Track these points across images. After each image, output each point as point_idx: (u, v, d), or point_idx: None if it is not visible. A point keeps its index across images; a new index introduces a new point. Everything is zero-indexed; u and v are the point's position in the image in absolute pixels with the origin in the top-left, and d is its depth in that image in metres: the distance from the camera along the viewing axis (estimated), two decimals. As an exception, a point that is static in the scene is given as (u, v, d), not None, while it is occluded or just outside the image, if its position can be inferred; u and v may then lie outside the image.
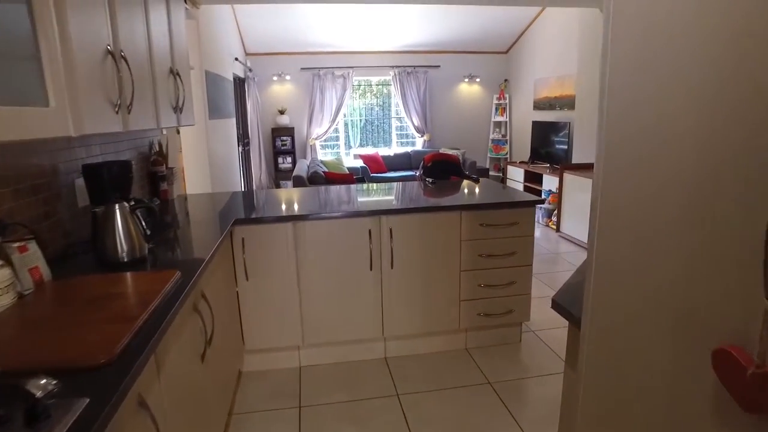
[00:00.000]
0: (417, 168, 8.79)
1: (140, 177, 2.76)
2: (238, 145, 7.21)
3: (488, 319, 2.92)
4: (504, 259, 2.84)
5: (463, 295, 2.85)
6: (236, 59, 6.82)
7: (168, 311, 1.33)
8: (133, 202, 1.81)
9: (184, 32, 2.70)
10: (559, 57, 7.34)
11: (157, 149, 3.02)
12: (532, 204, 2.80)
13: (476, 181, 3.55)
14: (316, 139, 8.60)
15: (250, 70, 7.97)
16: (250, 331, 2.67)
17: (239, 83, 7.59)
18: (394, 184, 3.53)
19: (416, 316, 2.83)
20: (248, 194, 3.46)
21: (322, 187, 3.44)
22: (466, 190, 3.19)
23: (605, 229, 1.03)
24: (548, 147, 7.36)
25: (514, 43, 8.74)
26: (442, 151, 8.80)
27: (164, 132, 3.28)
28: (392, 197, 3.01)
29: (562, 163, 6.07)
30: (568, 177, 5.33)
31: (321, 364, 2.85)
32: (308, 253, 2.62)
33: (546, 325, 3.29)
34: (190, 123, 2.74)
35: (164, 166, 2.97)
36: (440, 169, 3.86)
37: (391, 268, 2.71)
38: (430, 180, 3.51)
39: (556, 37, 7.39)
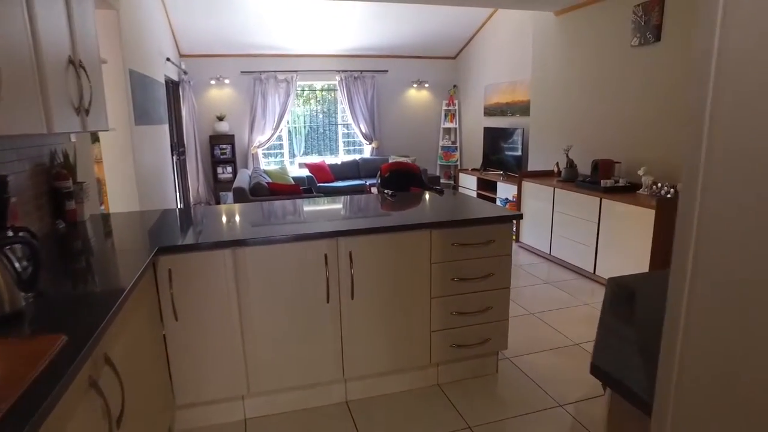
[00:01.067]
0: (366, 177, 8.45)
1: (35, 195, 2.21)
2: (172, 155, 6.57)
3: (462, 351, 2.57)
4: (479, 282, 2.51)
5: (434, 325, 2.49)
6: (168, 60, 6.20)
7: (37, 405, 0.87)
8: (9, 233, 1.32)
9: (91, 17, 2.20)
10: (511, 63, 7.22)
11: (61, 160, 2.47)
12: (510, 219, 2.49)
13: (440, 192, 3.22)
14: (258, 147, 8.06)
15: (185, 72, 7.33)
16: (182, 381, 2.19)
17: (173, 86, 6.95)
18: (350, 198, 3.13)
19: (381, 352, 2.44)
20: (182, 212, 2.96)
21: (267, 203, 2.99)
22: (432, 205, 2.84)
23: (711, 259, 0.68)
24: (501, 154, 7.21)
25: (463, 48, 8.59)
26: (393, 159, 8.48)
27: (72, 139, 2.73)
28: (349, 214, 2.61)
29: (520, 171, 5.89)
30: (528, 185, 5.13)
31: (271, 415, 2.40)
32: (252, 285, 2.17)
33: (521, 349, 2.99)
34: (103, 128, 2.23)
35: (71, 180, 2.43)
36: (399, 180, 3.50)
37: (352, 298, 2.31)
38: (389, 192, 3.15)
39: (507, 42, 7.28)
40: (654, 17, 4.03)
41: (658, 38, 4.02)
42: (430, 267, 2.41)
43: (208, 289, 2.11)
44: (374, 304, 2.36)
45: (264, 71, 7.86)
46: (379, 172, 3.60)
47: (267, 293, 2.19)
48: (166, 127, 6.04)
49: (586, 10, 4.84)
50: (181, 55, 7.48)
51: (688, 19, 3.79)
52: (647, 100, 4.20)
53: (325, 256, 2.23)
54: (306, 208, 2.78)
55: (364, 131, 8.58)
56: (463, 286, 2.49)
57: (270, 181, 6.05)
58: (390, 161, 8.32)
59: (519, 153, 6.73)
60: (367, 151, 8.85)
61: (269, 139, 8.10)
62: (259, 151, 8.11)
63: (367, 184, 7.43)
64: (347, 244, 2.25)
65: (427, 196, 3.13)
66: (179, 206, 6.99)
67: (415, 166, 3.59)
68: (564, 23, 5.17)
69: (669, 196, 3.76)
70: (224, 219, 2.54)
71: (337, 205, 2.90)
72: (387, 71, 8.59)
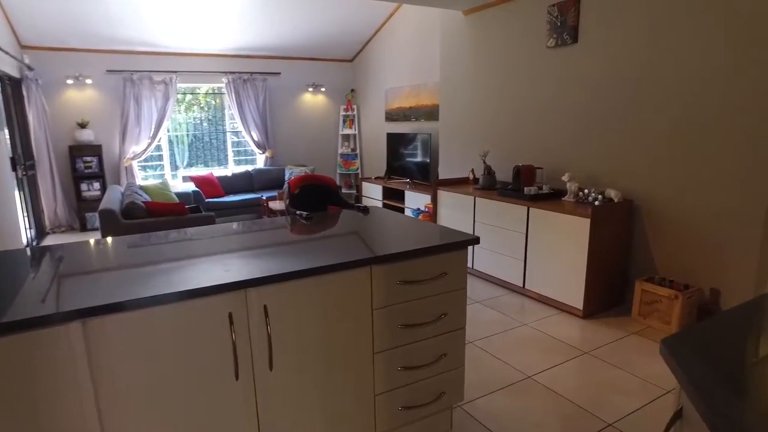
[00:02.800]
0: (261, 189, 7.64)
1: None
2: (14, 169, 5.29)
3: (413, 412, 2.04)
4: (431, 326, 2.00)
5: (378, 386, 1.93)
6: (2, 51, 4.95)
7: None
8: None
9: None
10: (413, 65, 6.91)
11: None
12: (465, 245, 2.01)
13: (364, 211, 2.67)
14: (133, 158, 6.90)
15: (30, 68, 6.01)
16: None
17: (11, 84, 5.64)
18: (253, 224, 2.46)
19: (312, 431, 1.82)
20: (11, 256, 2.07)
21: (141, 236, 2.22)
22: (362, 230, 2.28)
23: None
24: (406, 161, 6.86)
25: (361, 50, 8.16)
26: (290, 169, 7.79)
27: None
28: (257, 248, 1.96)
29: (434, 179, 5.54)
30: (444, 194, 4.78)
31: None
32: (118, 372, 1.44)
33: (472, 392, 2.54)
34: None
35: None
36: (313, 198, 2.90)
37: (270, 369, 1.67)
38: (303, 214, 2.53)
39: (408, 44, 6.96)
40: (570, 18, 3.86)
41: (575, 39, 3.86)
42: (372, 315, 1.85)
43: (44, 383, 1.35)
44: (301, 372, 1.74)
45: (136, 71, 6.75)
46: (286, 189, 2.96)
47: (142, 381, 1.48)
48: (4, 134, 4.81)
49: (497, 10, 4.61)
50: (23, 47, 6.13)
51: (605, 19, 3.65)
52: (567, 103, 4.03)
53: (230, 315, 1.57)
54: (195, 242, 2.08)
55: (256, 139, 7.78)
56: (412, 334, 1.96)
57: (148, 199, 5.07)
58: (298, 173, 7.62)
59: (427, 160, 6.43)
60: (260, 161, 8.05)
61: (146, 150, 6.98)
62: (134, 164, 6.96)
63: (264, 197, 6.66)
64: (260, 296, 1.61)
65: (349, 217, 2.56)
66: (28, 234, 5.68)
67: (330, 179, 3.00)
68: (474, 23, 4.92)
69: (597, 203, 3.58)
70: (73, 269, 1.76)
71: (236, 235, 2.22)
72: (280, 74, 7.88)
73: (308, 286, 1.69)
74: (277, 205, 6.21)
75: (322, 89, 8.31)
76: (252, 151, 8.02)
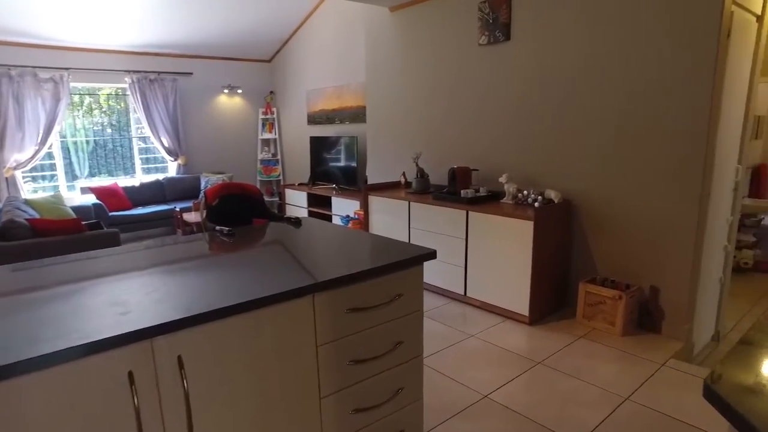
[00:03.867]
0: (174, 200, 6.97)
1: None
2: None
3: (367, 460, 1.73)
4: (386, 357, 1.70)
5: (326, 436, 1.60)
6: None
7: None
8: None
9: None
10: (335, 66, 6.61)
11: None
12: (421, 260, 1.74)
13: (296, 223, 2.33)
14: (15, 168, 5.99)
15: None
16: None
17: None
18: (162, 243, 2.03)
19: (247, 504, 1.46)
20: None
21: (10, 269, 1.72)
22: (297, 247, 1.94)
23: None
24: (332, 165, 6.54)
25: (279, 50, 7.72)
26: (206, 177, 7.18)
27: None
28: (167, 278, 1.56)
29: (364, 184, 5.26)
30: (375, 199, 4.51)
31: None
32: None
33: (428, 421, 2.27)
34: None
35: None
36: (234, 209, 2.50)
37: (190, 435, 1.29)
38: (224, 230, 2.15)
39: (329, 44, 6.65)
40: (502, 15, 3.75)
41: (507, 37, 3.75)
42: (317, 353, 1.52)
43: None
44: (232, 431, 1.37)
45: (14, 65, 5.86)
46: (203, 199, 2.54)
47: (1, 478, 1.05)
48: None
49: (425, 6, 4.43)
50: None
51: (537, 16, 3.57)
52: (502, 102, 3.92)
53: (130, 374, 1.18)
54: (83, 272, 1.63)
55: (166, 145, 7.10)
56: (365, 370, 1.65)
57: (34, 216, 4.35)
58: (215, 181, 7.01)
59: (354, 164, 6.15)
60: (172, 169, 7.36)
61: (32, 158, 6.09)
62: (17, 174, 6.04)
63: (177, 209, 6.05)
64: (172, 345, 1.23)
65: (278, 231, 2.21)
66: None
67: (253, 187, 2.62)
68: (401, 20, 4.71)
69: (537, 204, 3.48)
70: None
71: (140, 260, 1.80)
72: (192, 74, 7.25)
73: (236, 326, 1.33)
74: (192, 216, 5.64)
75: (239, 91, 7.77)
76: (162, 158, 7.32)
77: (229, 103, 7.76)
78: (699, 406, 2.38)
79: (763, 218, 5.42)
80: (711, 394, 0.86)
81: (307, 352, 1.49)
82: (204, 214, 2.43)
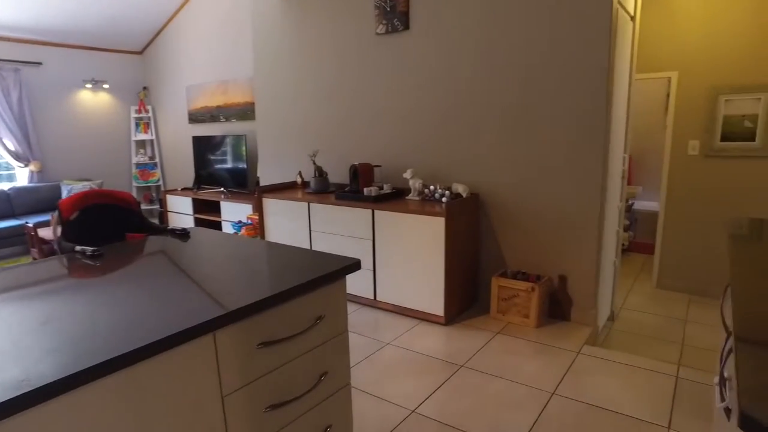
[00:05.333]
0: (24, 213, 5.92)
1: None
2: None
3: None
4: (310, 395, 1.41)
5: (240, 506, 1.27)
6: None
7: None
8: None
9: None
10: (219, 59, 6.05)
11: None
12: (344, 274, 1.46)
13: (183, 235, 1.93)
14: None
15: None
16: None
17: None
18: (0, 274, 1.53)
19: None
20: None
21: None
22: (188, 267, 1.56)
23: None
24: (219, 167, 5.99)
25: (152, 40, 6.93)
26: (68, 185, 6.21)
27: None
28: (13, 328, 1.12)
29: (256, 186, 4.82)
30: (270, 202, 4.13)
31: None
32: None
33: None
34: None
35: None
36: (100, 223, 2.02)
37: None
38: (89, 250, 1.69)
39: (211, 35, 6.06)
40: (400, 3, 3.58)
41: (406, 26, 3.59)
42: (223, 405, 1.18)
43: None
44: None
45: None
46: (56, 213, 2.02)
47: None
48: None
49: (315, -7, 4.13)
50: None
51: (436, 4, 3.45)
52: (402, 94, 3.76)
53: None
54: None
55: (12, 149, 6.01)
56: (285, 414, 1.34)
57: None
58: (80, 190, 6.06)
59: (243, 165, 5.67)
60: (22, 177, 6.26)
61: None
62: None
63: (30, 224, 5.12)
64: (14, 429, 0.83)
65: (161, 248, 1.80)
66: None
67: (127, 194, 2.15)
68: (292, 8, 4.35)
69: (444, 199, 3.36)
70: None
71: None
72: (41, 64, 6.21)
73: (100, 395, 0.96)
74: (50, 233, 4.79)
75: (105, 86, 6.84)
76: (8, 164, 6.19)
77: (93, 99, 6.79)
78: (619, 390, 2.40)
79: (634, 203, 5.91)
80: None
81: (210, 408, 1.15)
82: (58, 232, 1.93)
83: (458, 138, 3.52)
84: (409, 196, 3.64)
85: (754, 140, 3.95)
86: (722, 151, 4.07)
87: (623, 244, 5.64)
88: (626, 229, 5.70)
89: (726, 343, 1.32)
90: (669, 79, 5.74)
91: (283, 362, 1.31)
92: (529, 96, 3.16)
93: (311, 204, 3.83)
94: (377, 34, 3.77)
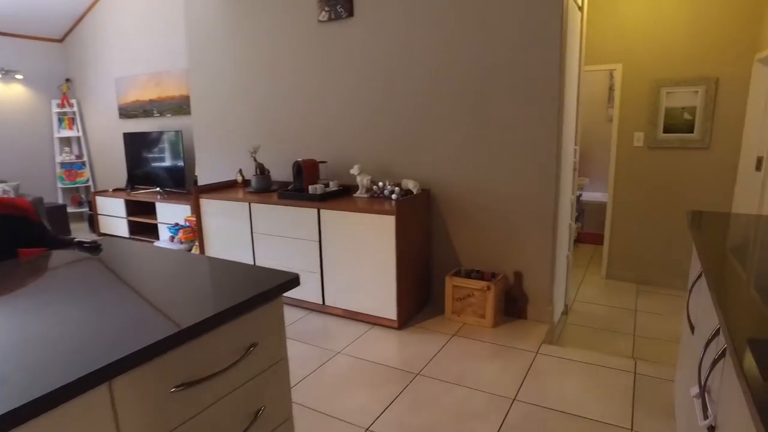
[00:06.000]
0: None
1: None
2: None
3: None
4: (242, 437, 1.19)
5: None
6: None
7: None
8: None
9: None
10: (151, 48, 5.60)
11: None
12: (280, 292, 1.25)
13: (93, 249, 1.65)
14: None
15: None
16: None
17: None
18: None
19: None
20: None
21: None
22: (89, 293, 1.29)
23: None
24: (154, 166, 5.57)
25: (74, 27, 6.35)
26: (-20, 187, 5.59)
27: None
28: None
29: (193, 185, 4.48)
30: (208, 203, 3.82)
31: None
32: None
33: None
34: None
35: None
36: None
37: None
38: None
39: (141, 22, 5.60)
40: (341, -14, 3.36)
41: (350, 12, 3.37)
42: (128, 467, 0.95)
43: None
44: None
45: None
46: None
47: None
48: None
49: (250, -24, 3.83)
50: None
51: (379, -10, 3.26)
52: (348, 87, 3.54)
53: None
54: None
55: None
56: (212, 464, 1.12)
57: None
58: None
59: (180, 162, 5.29)
60: (-75, 180, 5.59)
61: None
62: None
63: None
64: None
65: (60, 267, 1.52)
66: None
67: (21, 202, 1.83)
68: (222, -8, 4.03)
69: (394, 196, 3.19)
70: None
71: None
72: (-58, 54, 5.54)
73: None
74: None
75: (18, 77, 6.21)
76: None
77: (5, 92, 6.15)
78: (580, 392, 2.31)
79: (581, 194, 5.98)
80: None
81: (108, 473, 0.91)
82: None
83: (408, 132, 3.35)
84: (357, 194, 3.44)
85: (693, 132, 4.01)
86: (664, 143, 4.12)
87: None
88: (575, 220, 5.75)
89: (705, 350, 1.21)
90: (611, 72, 5.82)
91: (208, 404, 1.09)
92: (482, 88, 3.03)
93: (252, 204, 3.56)
94: (320, 21, 3.53)
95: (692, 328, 1.64)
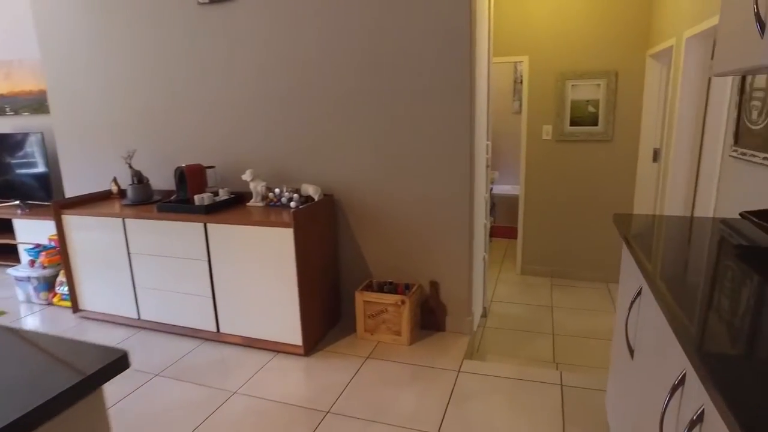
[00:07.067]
0: None
1: None
2: None
3: None
4: None
5: None
6: None
7: None
8: None
9: None
10: (-7, 34, 4.69)
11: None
12: (97, 383, 0.83)
13: None
14: None
15: None
16: None
17: None
18: None
19: None
20: None
21: None
22: None
23: None
24: (11, 174, 4.69)
25: None
26: None
27: None
28: None
29: (59, 197, 3.76)
30: (73, 220, 3.19)
31: None
32: None
33: None
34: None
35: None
36: None
37: None
38: None
39: (-22, 2, 4.66)
40: (219, -38, 2.88)
41: (232, -8, 2.91)
42: None
43: None
44: None
45: None
46: None
47: None
48: None
49: (111, -51, 3.22)
50: None
51: (265, -32, 2.83)
52: (237, 80, 3.08)
53: None
54: None
55: None
56: None
57: None
58: None
59: (44, 169, 4.48)
60: None
61: None
62: None
63: None
64: None
65: None
66: None
67: None
68: (77, -33, 3.37)
69: (294, 204, 2.81)
70: None
71: None
72: None
73: None
74: None
75: None
76: None
77: None
78: (508, 414, 2.09)
79: (492, 188, 5.94)
80: None
81: None
82: None
83: (307, 131, 2.97)
84: (251, 202, 3.01)
85: (597, 125, 4.02)
86: (571, 136, 4.09)
87: (484, 231, 5.62)
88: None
89: (669, 399, 0.97)
90: (515, 64, 5.81)
91: None
92: (389, 82, 2.73)
93: (127, 220, 2.99)
94: (199, 3, 3.03)
95: (631, 351, 1.44)
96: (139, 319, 3.11)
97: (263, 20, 2.91)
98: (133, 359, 2.74)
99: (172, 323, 3.03)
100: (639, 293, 1.38)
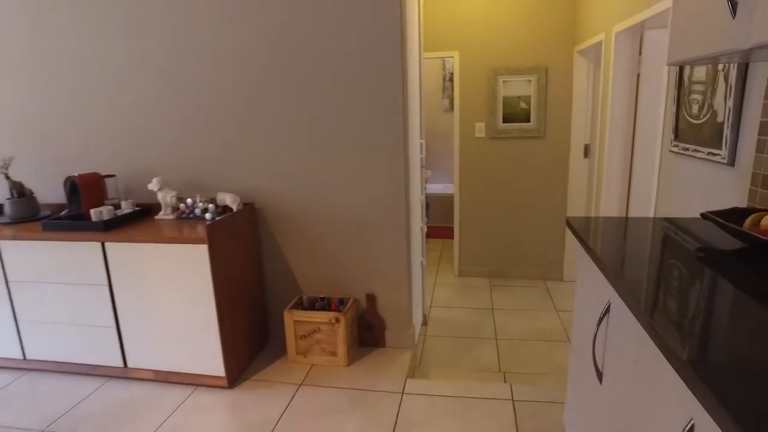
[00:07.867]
0: None
1: None
2: None
3: None
4: None
5: None
6: None
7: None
8: None
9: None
10: None
11: None
12: None
13: None
14: None
15: None
16: None
17: None
18: None
19: None
20: None
21: None
22: None
23: None
24: None
25: None
26: None
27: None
28: None
29: None
30: (-62, 244, 2.63)
31: None
32: None
33: None
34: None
35: None
36: None
37: None
38: None
39: None
40: (108, -63, 2.47)
41: (125, -28, 2.51)
42: None
43: None
44: None
45: None
46: None
47: None
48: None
49: None
50: None
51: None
52: (140, 74, 2.67)
53: None
54: None
55: None
56: None
57: None
58: None
59: None
60: None
61: None
62: None
63: None
64: None
65: None
66: None
67: None
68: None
69: (208, 215, 2.46)
70: None
71: None
72: None
73: None
74: None
75: None
76: None
77: None
78: (457, 445, 1.89)
79: (426, 187, 5.81)
80: None
81: None
82: None
83: (222, 132, 2.63)
84: (160, 215, 2.62)
85: (529, 121, 3.96)
86: (504, 133, 4.01)
87: (419, 232, 5.47)
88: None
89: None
90: (443, 61, 5.70)
91: None
92: (316, 80, 2.45)
93: (2, 242, 2.50)
94: (82, -16, 2.59)
95: (599, 374, 1.27)
96: (24, 359, 2.63)
97: (173, 5, 2.53)
98: (12, 412, 2.28)
99: (68, 361, 2.57)
100: (608, 310, 1.22)
